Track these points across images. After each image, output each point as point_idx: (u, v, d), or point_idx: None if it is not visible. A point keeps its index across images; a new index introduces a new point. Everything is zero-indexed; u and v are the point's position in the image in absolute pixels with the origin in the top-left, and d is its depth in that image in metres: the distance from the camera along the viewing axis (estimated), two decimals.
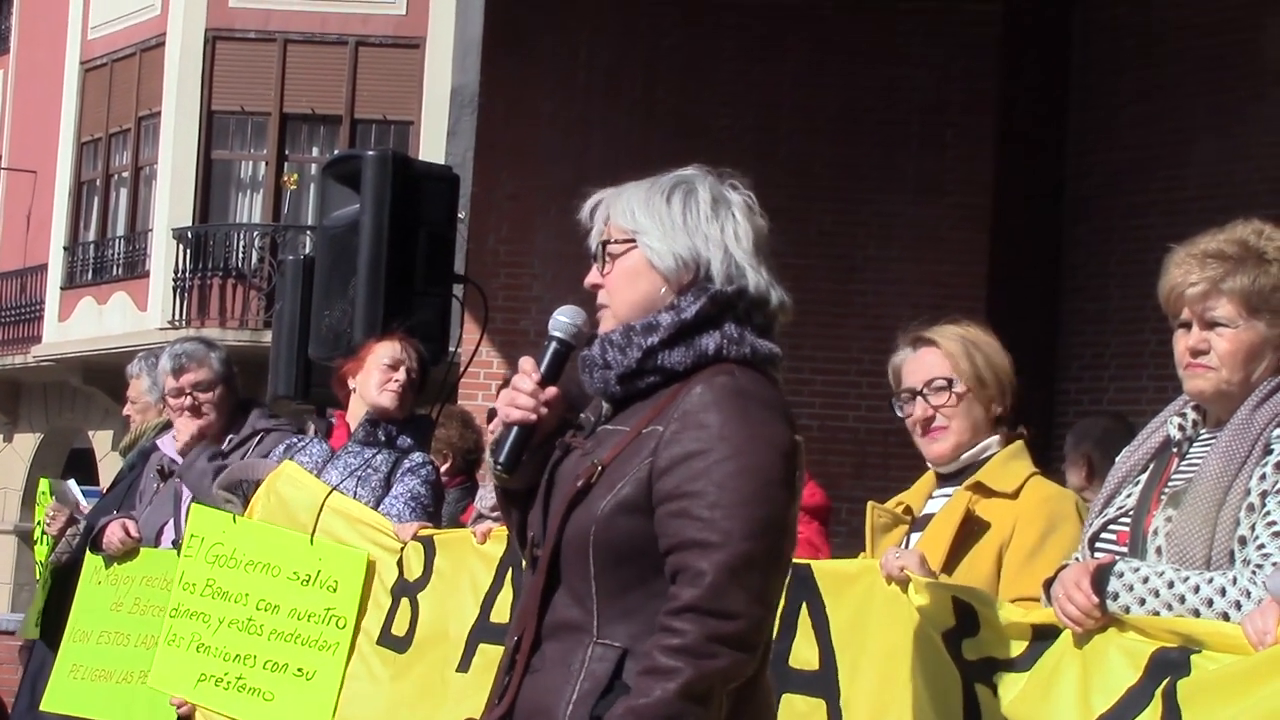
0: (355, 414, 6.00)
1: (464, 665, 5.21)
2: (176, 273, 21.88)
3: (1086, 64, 12.13)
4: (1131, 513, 3.62)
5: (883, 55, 12.03)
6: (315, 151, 22.03)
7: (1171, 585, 3.38)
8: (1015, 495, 4.25)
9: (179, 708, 5.89)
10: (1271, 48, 11.26)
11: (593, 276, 3.35)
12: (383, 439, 5.91)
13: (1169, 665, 3.29)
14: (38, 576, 7.91)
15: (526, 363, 3.36)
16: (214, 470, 6.18)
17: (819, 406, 11.49)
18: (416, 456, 5.91)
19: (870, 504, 4.47)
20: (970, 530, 4.21)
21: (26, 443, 26.07)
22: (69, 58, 24.41)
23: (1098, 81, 12.03)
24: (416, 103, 21.54)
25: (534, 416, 3.31)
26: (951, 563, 4.17)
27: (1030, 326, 11.48)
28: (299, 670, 5.61)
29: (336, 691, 5.56)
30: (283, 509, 5.78)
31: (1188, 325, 3.59)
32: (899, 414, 4.45)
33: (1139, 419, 4.24)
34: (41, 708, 6.71)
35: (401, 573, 5.52)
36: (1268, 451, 3.44)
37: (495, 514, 5.84)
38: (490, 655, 4.95)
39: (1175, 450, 3.64)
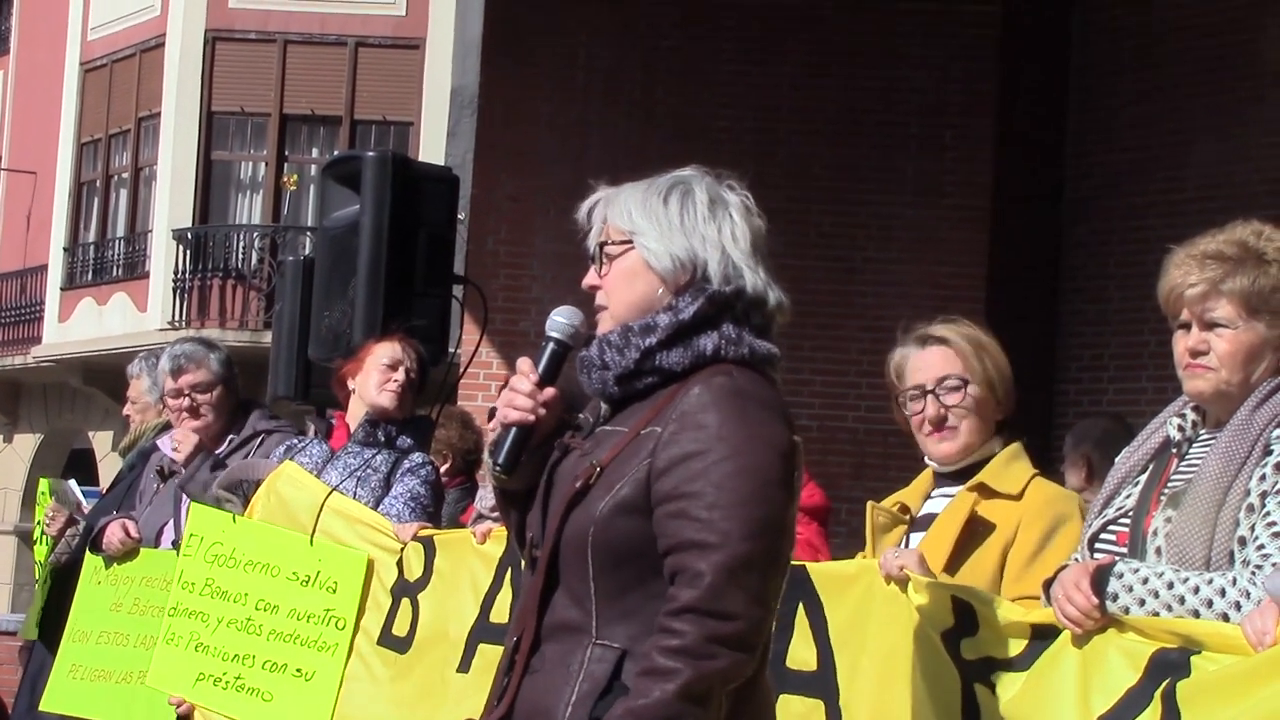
0: (355, 415, 6.00)
1: (464, 666, 5.21)
2: (176, 273, 21.88)
3: (1086, 65, 12.13)
4: (1131, 513, 3.62)
5: (882, 57, 12.03)
6: (315, 152, 22.04)
7: (1171, 586, 3.38)
8: (1019, 497, 4.25)
9: (178, 707, 5.89)
10: (1271, 49, 11.26)
11: (590, 277, 3.35)
12: (382, 439, 5.91)
13: (1169, 666, 3.29)
14: (37, 577, 7.91)
15: (524, 364, 3.36)
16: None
17: (818, 407, 11.49)
18: (416, 457, 5.91)
19: (870, 504, 4.47)
20: (974, 531, 4.21)
21: (26, 443, 26.07)
22: (69, 58, 24.42)
23: (1097, 83, 12.03)
24: (416, 104, 21.54)
25: (532, 417, 3.31)
26: (955, 563, 4.16)
27: (1029, 328, 11.49)
28: (298, 670, 5.61)
29: (335, 692, 5.56)
30: (283, 509, 5.79)
31: (1187, 326, 3.59)
32: (905, 411, 4.42)
33: (1138, 420, 4.24)
34: (41, 708, 6.71)
35: (401, 573, 5.53)
36: (1267, 452, 3.44)
37: (495, 514, 5.83)
38: (490, 655, 4.95)
39: (1175, 451, 3.64)
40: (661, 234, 3.27)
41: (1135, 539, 3.56)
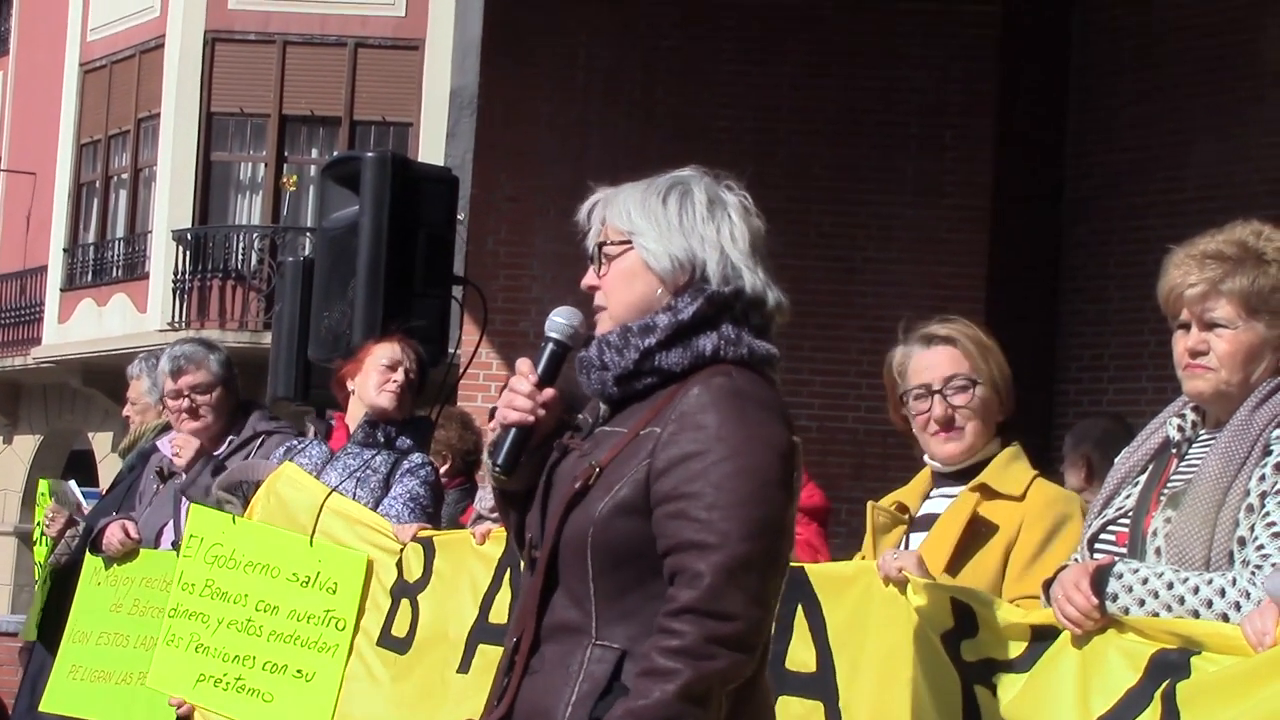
0: (354, 415, 6.00)
1: (464, 666, 5.21)
2: (176, 274, 21.88)
3: (1086, 65, 12.13)
4: (1131, 513, 3.61)
5: (882, 57, 12.03)
6: (314, 153, 22.03)
7: (1171, 586, 3.38)
8: (1022, 498, 4.25)
9: (178, 708, 5.89)
10: (1271, 49, 11.26)
11: (589, 278, 3.35)
12: (381, 440, 5.91)
13: (1169, 667, 3.28)
14: (37, 578, 7.91)
15: (523, 364, 3.35)
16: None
17: (818, 408, 11.49)
18: (416, 457, 5.91)
19: (870, 503, 4.46)
20: (976, 532, 4.20)
21: (26, 444, 26.07)
22: (68, 59, 24.42)
23: (1097, 83, 12.03)
24: (416, 104, 21.54)
25: (531, 418, 3.31)
26: (957, 564, 4.16)
27: (1029, 328, 11.49)
28: (298, 671, 5.62)
29: (335, 693, 5.56)
30: (282, 510, 5.79)
31: (1187, 326, 3.59)
32: (904, 410, 4.41)
33: (1138, 420, 4.23)
34: (40, 708, 6.72)
35: (401, 574, 5.53)
36: (1267, 452, 3.44)
37: (494, 515, 5.83)
38: (490, 656, 4.95)
39: (1174, 451, 3.64)
40: (660, 234, 3.27)
41: (1135, 539, 3.56)
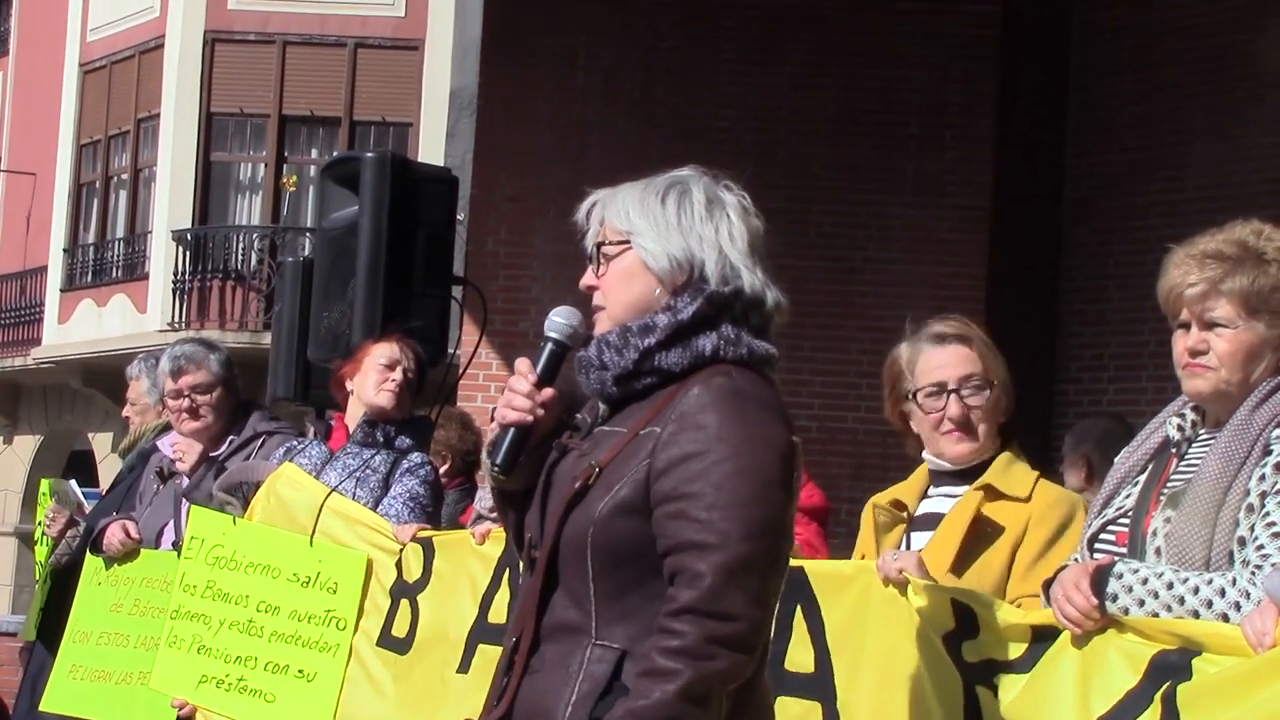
0: (354, 415, 6.00)
1: (464, 666, 5.21)
2: (176, 275, 21.87)
3: (1085, 65, 12.13)
4: (1130, 513, 3.61)
5: (882, 57, 12.03)
6: (314, 153, 22.02)
7: (1171, 586, 3.37)
8: (1028, 499, 4.24)
9: (180, 709, 5.89)
10: (1271, 49, 11.26)
11: (588, 278, 3.34)
12: (381, 440, 5.91)
13: (1169, 669, 3.28)
14: (37, 578, 7.92)
15: (523, 364, 3.35)
16: None
17: (818, 408, 11.49)
18: (415, 457, 5.91)
19: (871, 503, 4.46)
20: (981, 532, 4.19)
21: (26, 445, 26.07)
22: (68, 60, 24.41)
23: (1097, 83, 12.03)
24: (415, 105, 21.53)
25: (530, 418, 3.31)
26: (962, 564, 4.15)
27: (1029, 328, 11.49)
28: (300, 672, 5.62)
29: (337, 693, 5.56)
30: (282, 510, 5.79)
31: (1187, 326, 3.58)
32: (904, 408, 4.39)
33: (1138, 420, 4.23)
34: (41, 708, 6.72)
35: (401, 574, 5.53)
36: (1267, 452, 3.44)
37: (494, 515, 5.82)
38: (490, 656, 4.94)
39: (1174, 451, 3.64)
40: (659, 234, 3.27)
41: (1135, 539, 3.56)
